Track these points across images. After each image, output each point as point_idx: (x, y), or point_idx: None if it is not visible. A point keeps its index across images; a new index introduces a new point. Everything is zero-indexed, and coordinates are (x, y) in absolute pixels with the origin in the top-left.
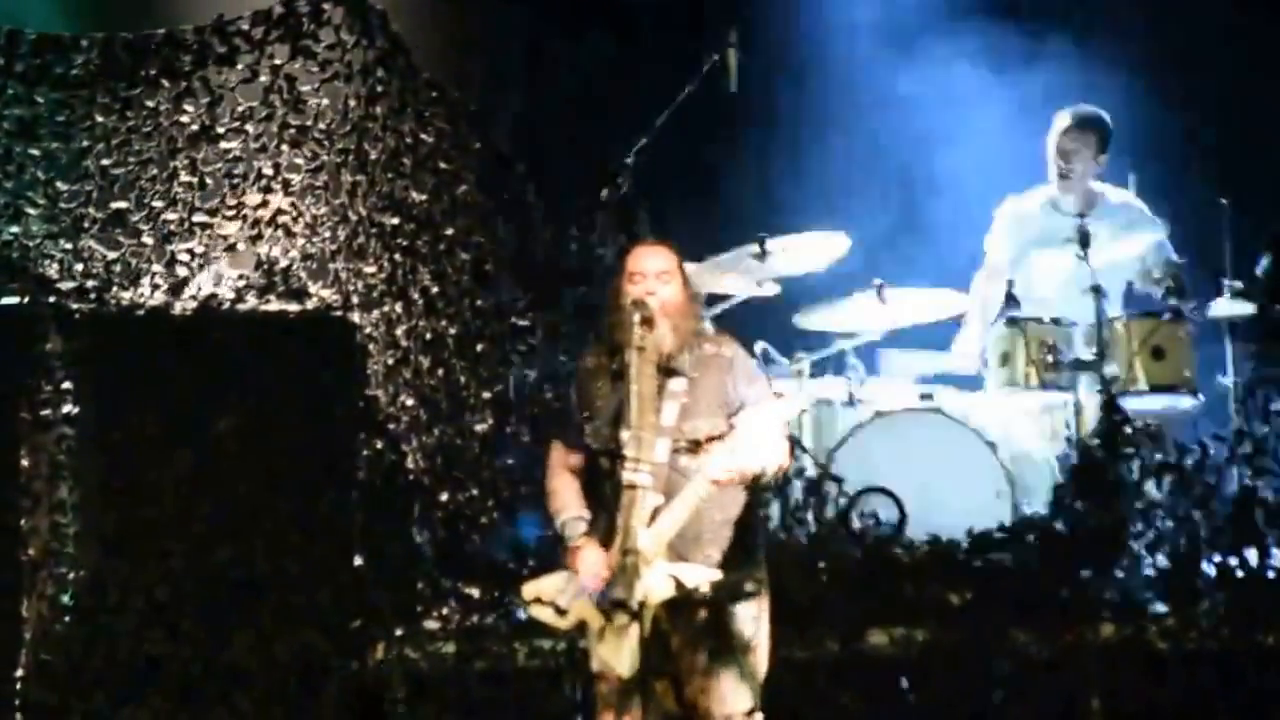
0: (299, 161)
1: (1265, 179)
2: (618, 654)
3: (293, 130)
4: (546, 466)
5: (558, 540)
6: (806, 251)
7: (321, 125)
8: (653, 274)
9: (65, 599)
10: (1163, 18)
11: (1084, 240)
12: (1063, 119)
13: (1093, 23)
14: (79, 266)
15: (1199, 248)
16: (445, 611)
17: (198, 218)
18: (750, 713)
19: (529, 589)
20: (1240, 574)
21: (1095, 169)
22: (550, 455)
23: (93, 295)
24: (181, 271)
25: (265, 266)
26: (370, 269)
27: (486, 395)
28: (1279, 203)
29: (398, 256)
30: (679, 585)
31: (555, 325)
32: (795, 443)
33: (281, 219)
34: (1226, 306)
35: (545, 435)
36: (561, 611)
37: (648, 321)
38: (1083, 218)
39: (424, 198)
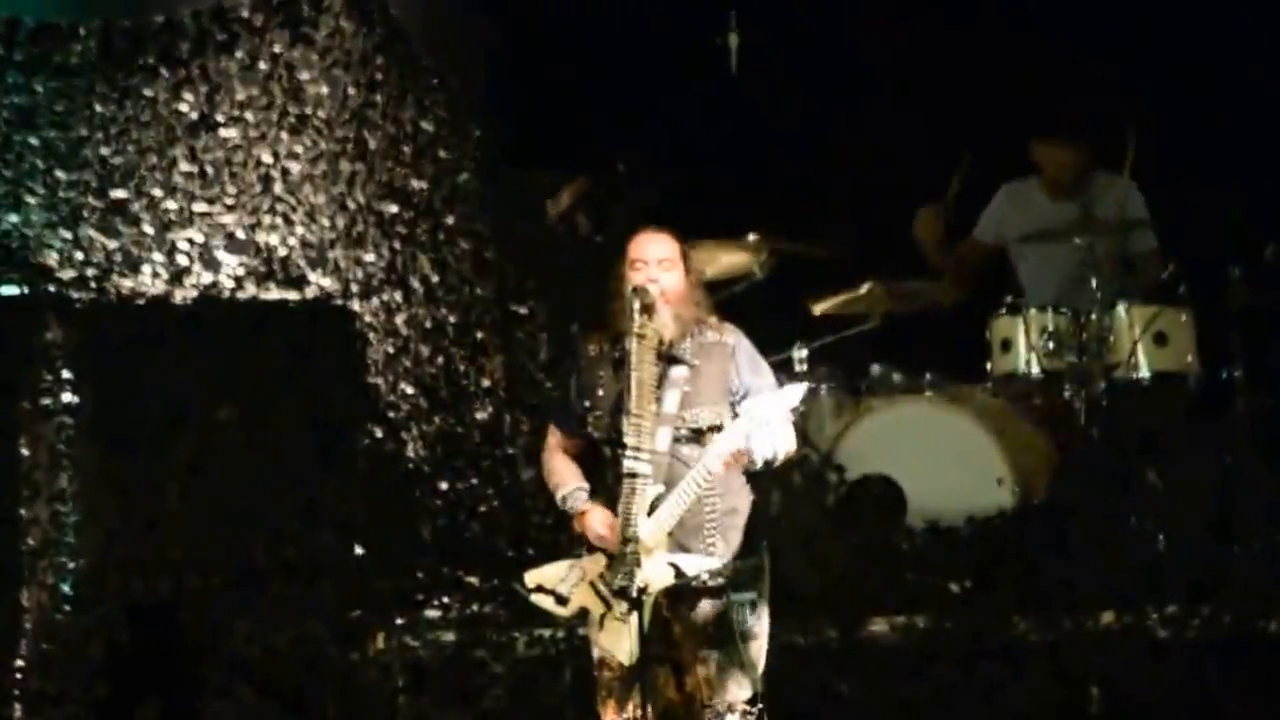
0: (298, 150)
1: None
2: (618, 642)
3: (292, 118)
4: (544, 448)
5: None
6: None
7: (321, 113)
8: (654, 261)
9: (65, 588)
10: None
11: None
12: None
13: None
14: (79, 255)
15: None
16: (445, 600)
17: (197, 206)
18: (751, 701)
19: (530, 577)
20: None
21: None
22: (548, 438)
23: (93, 284)
24: (181, 260)
25: (265, 255)
26: (370, 257)
27: (486, 383)
28: None
29: (397, 244)
30: (679, 574)
31: (555, 313)
32: (799, 430)
33: (280, 207)
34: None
35: (543, 418)
36: (563, 600)
37: (648, 309)
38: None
39: (424, 186)
